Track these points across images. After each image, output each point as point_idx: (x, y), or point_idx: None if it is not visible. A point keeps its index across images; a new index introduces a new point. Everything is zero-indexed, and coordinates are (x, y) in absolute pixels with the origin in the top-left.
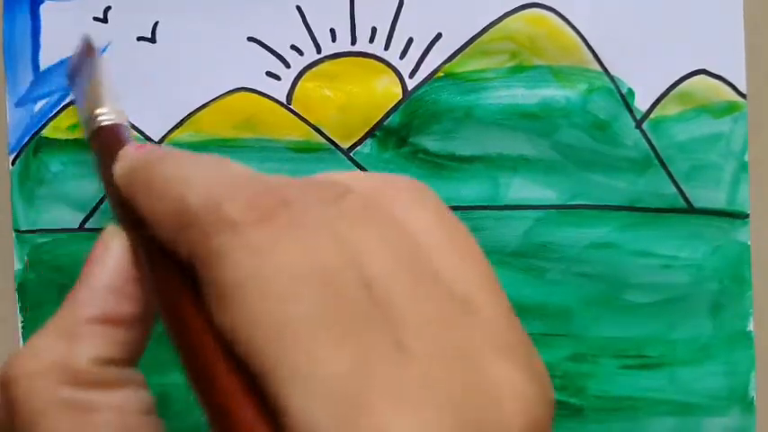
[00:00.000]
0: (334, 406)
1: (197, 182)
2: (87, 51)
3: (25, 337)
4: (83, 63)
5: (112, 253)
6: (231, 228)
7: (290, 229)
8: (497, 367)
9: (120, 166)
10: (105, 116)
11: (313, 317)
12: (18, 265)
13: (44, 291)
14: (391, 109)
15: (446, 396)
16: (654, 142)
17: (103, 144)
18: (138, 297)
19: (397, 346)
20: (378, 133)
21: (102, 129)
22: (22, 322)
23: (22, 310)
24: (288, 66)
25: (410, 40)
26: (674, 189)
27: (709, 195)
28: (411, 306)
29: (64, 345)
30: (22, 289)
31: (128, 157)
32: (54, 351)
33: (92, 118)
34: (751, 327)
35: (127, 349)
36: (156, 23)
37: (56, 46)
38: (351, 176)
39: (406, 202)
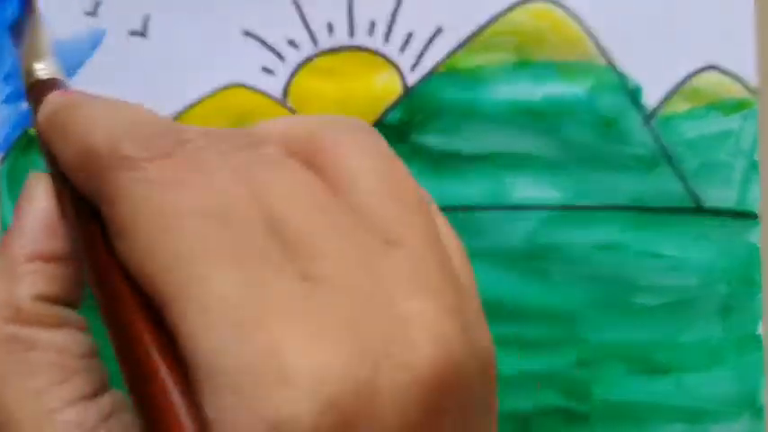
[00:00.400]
0: (227, 329)
1: (100, 124)
2: (28, 7)
3: None
4: (25, 20)
5: (39, 195)
6: (128, 164)
7: (188, 168)
8: (411, 302)
9: (42, 112)
10: (43, 70)
11: (206, 245)
12: None
13: None
14: (391, 105)
15: (348, 324)
16: (662, 140)
17: (39, 97)
18: (63, 236)
19: (302, 277)
20: (377, 130)
21: (38, 82)
22: None
23: None
24: (283, 60)
25: (411, 34)
26: (682, 188)
27: (718, 195)
28: (322, 243)
29: (4, 283)
30: None
31: (50, 103)
32: None
33: (29, 72)
34: (760, 330)
35: (65, 286)
36: (149, 17)
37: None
38: (283, 122)
39: (341, 147)
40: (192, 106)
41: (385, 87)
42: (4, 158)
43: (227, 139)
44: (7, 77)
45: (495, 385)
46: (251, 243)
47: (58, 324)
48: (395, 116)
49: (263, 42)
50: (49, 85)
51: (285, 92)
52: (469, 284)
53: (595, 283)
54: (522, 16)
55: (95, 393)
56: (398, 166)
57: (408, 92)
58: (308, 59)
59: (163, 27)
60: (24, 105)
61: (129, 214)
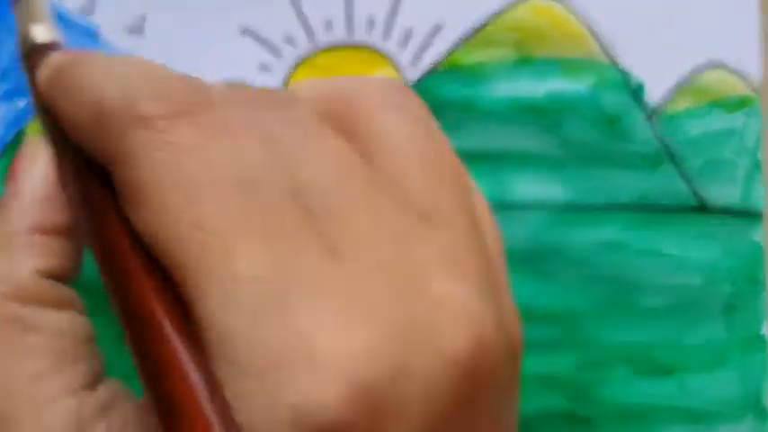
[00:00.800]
0: (251, 308)
1: (111, 79)
2: None
3: None
4: None
5: (38, 163)
6: (146, 124)
7: (211, 128)
8: (444, 283)
9: (43, 73)
10: (41, 34)
11: (231, 216)
12: None
13: None
14: None
15: (377, 304)
16: (665, 138)
17: (37, 62)
18: (65, 206)
19: (330, 253)
20: None
21: (36, 46)
22: None
23: None
24: (280, 57)
25: (410, 30)
26: (685, 186)
27: (721, 193)
28: (352, 215)
29: (6, 256)
30: None
31: (51, 63)
32: None
33: (26, 36)
34: (765, 330)
35: (65, 261)
36: (145, 15)
37: None
38: (315, 84)
39: (377, 109)
40: None
41: None
42: (0, 157)
43: (254, 99)
44: (3, 75)
45: (520, 368)
46: (278, 215)
47: (60, 304)
48: None
49: (261, 39)
50: (48, 48)
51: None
52: (501, 263)
53: (597, 284)
54: (523, 12)
55: (95, 382)
56: (436, 134)
57: None
58: (306, 57)
59: (159, 24)
60: (21, 103)
61: (147, 180)
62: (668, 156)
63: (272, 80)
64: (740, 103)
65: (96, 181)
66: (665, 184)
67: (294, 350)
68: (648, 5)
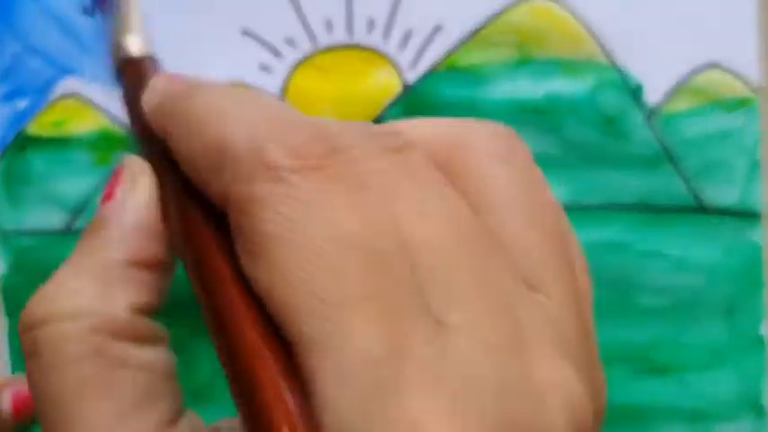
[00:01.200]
0: (364, 390)
1: (238, 120)
2: None
3: (12, 340)
4: None
5: (139, 187)
6: (274, 175)
7: (338, 182)
8: (547, 362)
9: (151, 98)
10: (135, 45)
11: (350, 286)
12: (3, 269)
13: (29, 294)
14: (390, 103)
15: (487, 389)
16: (664, 138)
17: (132, 75)
18: (164, 238)
19: (437, 325)
20: None
21: (131, 60)
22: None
23: (7, 313)
24: (281, 58)
25: (410, 31)
26: (684, 187)
27: (720, 193)
28: (460, 284)
29: (99, 288)
30: (6, 292)
31: (159, 88)
32: (88, 294)
33: (119, 47)
34: (764, 330)
35: (158, 296)
36: (147, 16)
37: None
38: (424, 123)
39: (485, 155)
40: None
41: (384, 85)
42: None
43: (375, 140)
44: (3, 76)
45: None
46: (392, 285)
47: (150, 340)
48: (394, 114)
49: (261, 40)
50: (143, 63)
51: (283, 90)
52: (592, 327)
53: (596, 283)
54: (522, 13)
55: (176, 419)
56: (542, 186)
57: (407, 90)
58: (307, 57)
59: (161, 26)
60: (21, 104)
61: (270, 233)
62: (667, 156)
63: (272, 80)
64: (739, 104)
65: (205, 217)
66: (664, 185)
67: None
68: (647, 6)
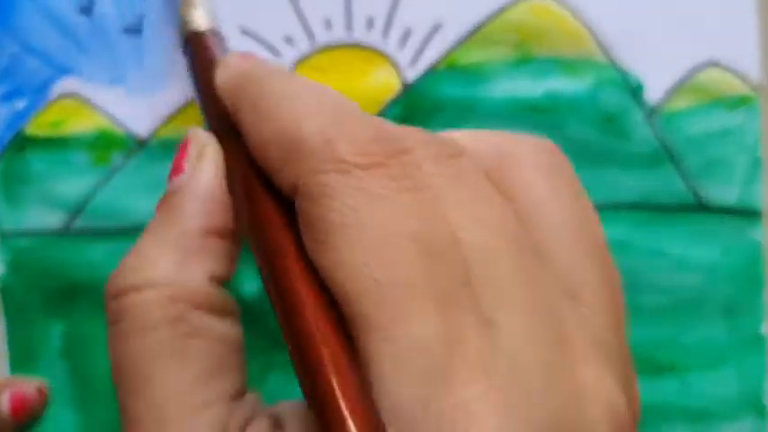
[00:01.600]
0: (421, 376)
1: (310, 111)
2: None
3: (10, 341)
4: None
5: (207, 159)
6: (344, 169)
7: (400, 181)
8: (589, 368)
9: (224, 75)
10: (200, 19)
11: (409, 274)
12: (2, 269)
13: (28, 295)
14: (389, 102)
15: (534, 384)
16: (664, 136)
17: (200, 48)
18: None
19: (486, 323)
20: None
21: (197, 33)
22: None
23: (6, 313)
24: (279, 57)
25: (409, 30)
26: (684, 185)
27: (721, 192)
28: (508, 285)
29: (178, 258)
30: (5, 292)
31: (232, 66)
32: (167, 264)
33: (186, 21)
34: (764, 329)
35: (231, 266)
36: (144, 15)
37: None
38: (471, 134)
39: (529, 168)
40: (187, 105)
41: (383, 84)
42: None
43: (433, 145)
44: (1, 77)
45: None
46: (447, 279)
47: (224, 312)
48: (393, 113)
49: (260, 39)
50: (208, 36)
51: None
52: (627, 341)
53: None
54: (522, 12)
55: (242, 393)
56: (583, 200)
57: (407, 88)
58: (306, 56)
59: (158, 25)
60: (20, 104)
61: (337, 222)
62: (667, 155)
63: None
64: (739, 102)
65: (267, 193)
66: (664, 183)
67: (455, 428)
68: (647, 5)
